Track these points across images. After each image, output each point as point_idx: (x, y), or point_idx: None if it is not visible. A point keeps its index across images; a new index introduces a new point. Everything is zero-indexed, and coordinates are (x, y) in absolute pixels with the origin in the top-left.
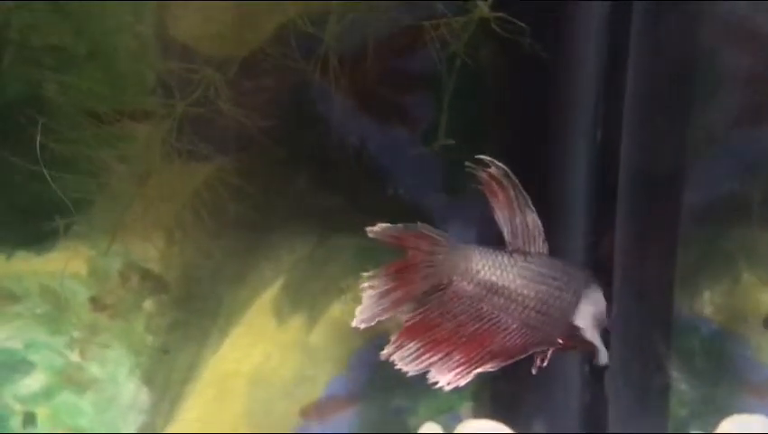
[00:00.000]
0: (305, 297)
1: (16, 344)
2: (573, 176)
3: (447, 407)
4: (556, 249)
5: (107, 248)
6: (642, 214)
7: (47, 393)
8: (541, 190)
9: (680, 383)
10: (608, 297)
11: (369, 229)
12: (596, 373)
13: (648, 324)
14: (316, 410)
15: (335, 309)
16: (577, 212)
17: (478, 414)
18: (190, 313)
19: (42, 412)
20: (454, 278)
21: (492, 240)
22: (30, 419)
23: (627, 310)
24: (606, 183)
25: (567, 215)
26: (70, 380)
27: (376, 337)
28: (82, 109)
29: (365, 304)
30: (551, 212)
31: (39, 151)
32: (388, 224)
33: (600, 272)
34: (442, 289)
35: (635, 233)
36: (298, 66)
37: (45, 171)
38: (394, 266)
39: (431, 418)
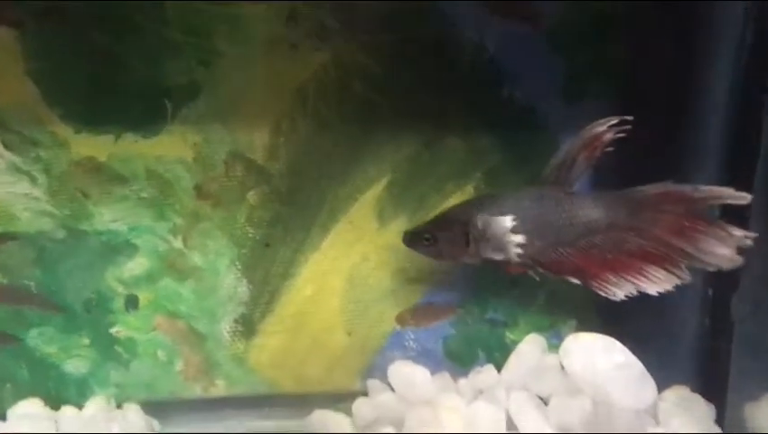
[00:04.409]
0: (410, 199)
1: (121, 227)
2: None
3: (547, 325)
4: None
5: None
6: None
7: (149, 278)
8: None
9: None
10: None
11: None
12: (722, 297)
13: None
14: (412, 315)
15: None
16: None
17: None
18: (292, 207)
19: (143, 296)
20: None
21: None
22: (132, 301)
23: (763, 247)
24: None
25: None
26: (173, 266)
27: None
28: None
29: None
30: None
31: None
32: None
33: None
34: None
35: None
36: None
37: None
38: None
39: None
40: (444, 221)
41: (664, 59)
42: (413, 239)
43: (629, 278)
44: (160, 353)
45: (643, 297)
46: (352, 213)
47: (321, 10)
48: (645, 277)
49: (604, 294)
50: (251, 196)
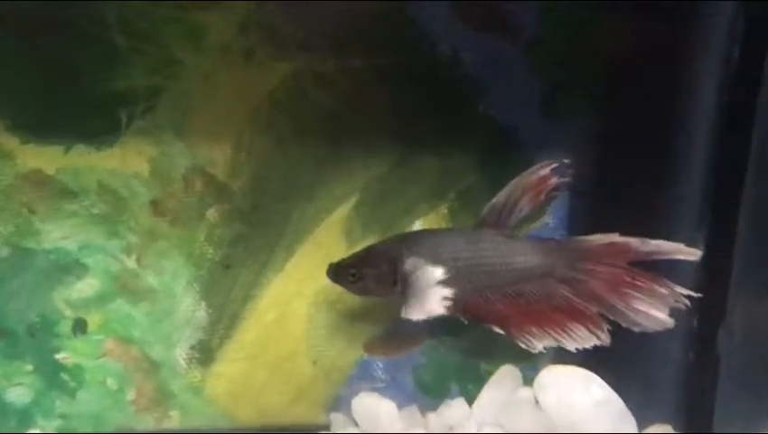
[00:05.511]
0: (379, 219)
1: (70, 245)
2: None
3: (525, 355)
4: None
5: None
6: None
7: (100, 300)
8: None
9: None
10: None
11: None
12: (707, 330)
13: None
14: (381, 344)
15: None
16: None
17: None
18: (254, 226)
19: (93, 320)
20: None
21: (586, 166)
22: (80, 325)
23: (751, 278)
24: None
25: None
26: (125, 287)
27: None
28: None
29: None
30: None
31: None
32: None
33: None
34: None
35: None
36: None
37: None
38: None
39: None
40: (372, 256)
41: (646, 74)
42: (337, 273)
43: (550, 331)
44: (110, 382)
45: (624, 328)
46: (319, 234)
47: (286, 20)
48: (566, 333)
49: (523, 345)
50: (211, 214)
